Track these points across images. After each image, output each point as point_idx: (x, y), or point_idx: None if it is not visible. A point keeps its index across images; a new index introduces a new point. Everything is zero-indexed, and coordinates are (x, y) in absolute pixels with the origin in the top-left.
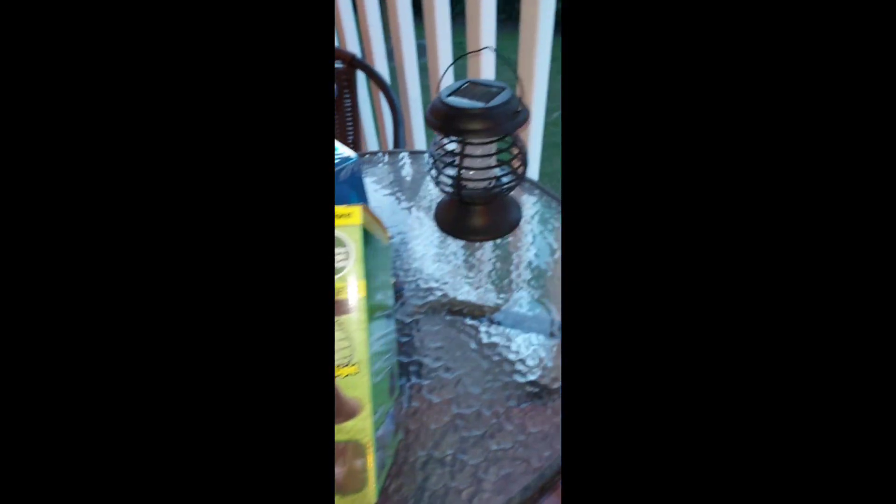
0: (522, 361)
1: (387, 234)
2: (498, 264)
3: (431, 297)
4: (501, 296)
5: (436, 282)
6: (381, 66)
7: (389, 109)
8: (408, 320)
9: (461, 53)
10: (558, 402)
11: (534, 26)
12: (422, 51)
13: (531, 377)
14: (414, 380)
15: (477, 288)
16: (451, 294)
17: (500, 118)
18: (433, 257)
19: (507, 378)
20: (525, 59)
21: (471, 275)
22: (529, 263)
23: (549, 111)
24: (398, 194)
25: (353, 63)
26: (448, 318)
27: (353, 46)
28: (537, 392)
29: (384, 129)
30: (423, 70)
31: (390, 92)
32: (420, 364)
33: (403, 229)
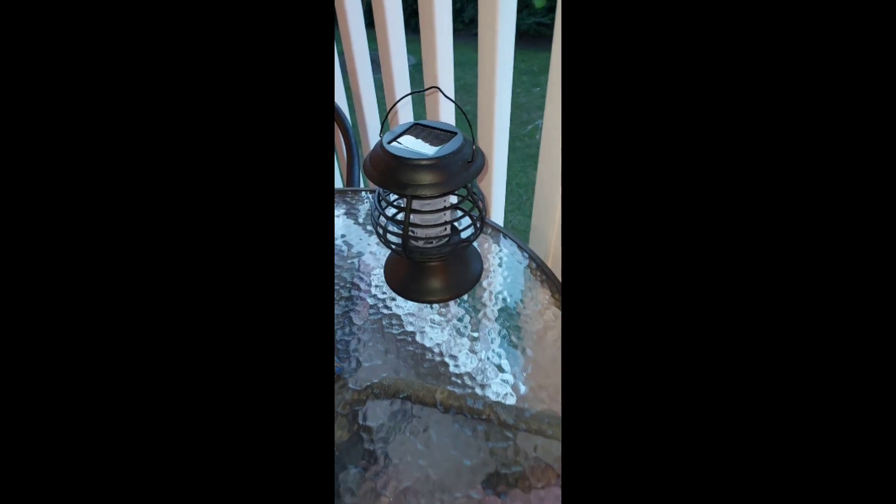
0: (478, 468)
1: None
2: (456, 332)
3: (374, 380)
4: (460, 375)
5: (381, 358)
6: (339, 92)
7: (345, 145)
8: (345, 412)
9: (416, 77)
10: (514, 494)
11: (493, 40)
12: (377, 65)
13: (482, 479)
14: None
15: (430, 365)
16: (399, 374)
17: (450, 169)
18: (380, 325)
19: (459, 494)
20: (486, 75)
21: (424, 347)
22: (493, 328)
23: (522, 123)
24: (346, 241)
25: None
26: (394, 405)
27: None
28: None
29: (345, 163)
30: (380, 86)
31: (346, 125)
32: (367, 460)
33: (349, 286)
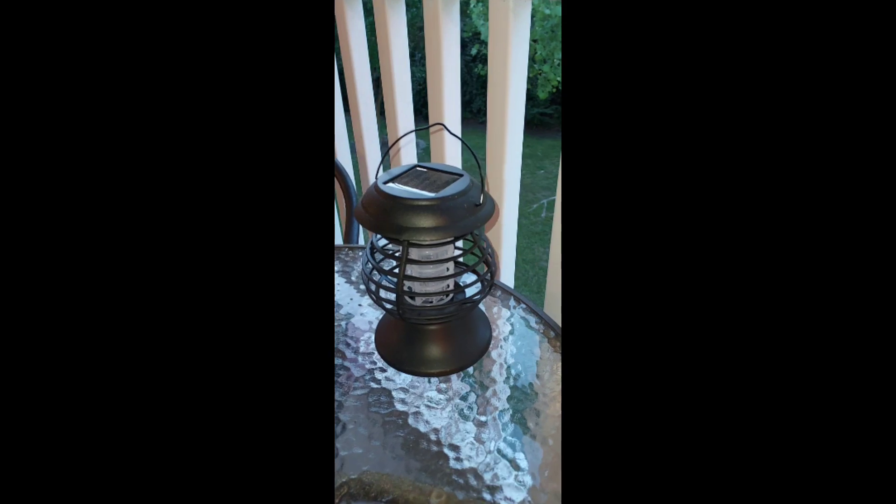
0: None
1: None
2: (459, 415)
3: (353, 474)
4: (463, 472)
5: (363, 447)
6: (341, 143)
7: (344, 199)
8: None
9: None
10: None
11: (503, 119)
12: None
13: None
14: None
15: (425, 457)
16: (385, 468)
17: (455, 212)
18: (365, 402)
19: None
20: (495, 155)
21: (418, 433)
22: (505, 410)
23: (528, 203)
24: (339, 303)
25: None
26: None
27: None
28: None
29: (344, 219)
30: (387, 166)
31: (347, 180)
32: None
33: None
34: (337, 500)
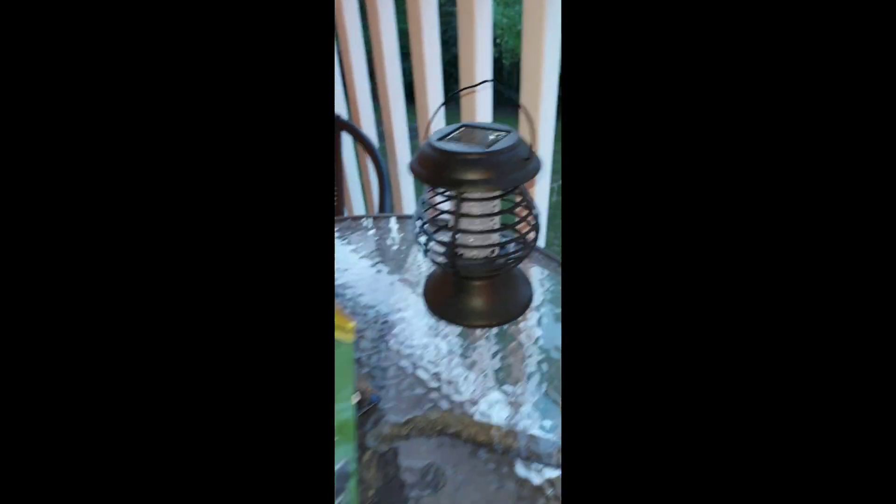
0: None
1: (350, 325)
2: (509, 359)
3: (417, 412)
4: (510, 408)
5: (423, 387)
6: (369, 127)
7: (376, 172)
8: (383, 449)
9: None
10: None
11: (538, 78)
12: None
13: None
14: None
15: (479, 396)
16: (445, 405)
17: (504, 166)
18: (421, 351)
19: None
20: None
21: (471, 376)
22: (547, 359)
23: None
24: (382, 265)
25: (339, 124)
26: (439, 442)
27: (338, 107)
28: None
29: (371, 192)
30: (413, 134)
31: (376, 154)
32: None
33: (386, 310)
34: (406, 434)
